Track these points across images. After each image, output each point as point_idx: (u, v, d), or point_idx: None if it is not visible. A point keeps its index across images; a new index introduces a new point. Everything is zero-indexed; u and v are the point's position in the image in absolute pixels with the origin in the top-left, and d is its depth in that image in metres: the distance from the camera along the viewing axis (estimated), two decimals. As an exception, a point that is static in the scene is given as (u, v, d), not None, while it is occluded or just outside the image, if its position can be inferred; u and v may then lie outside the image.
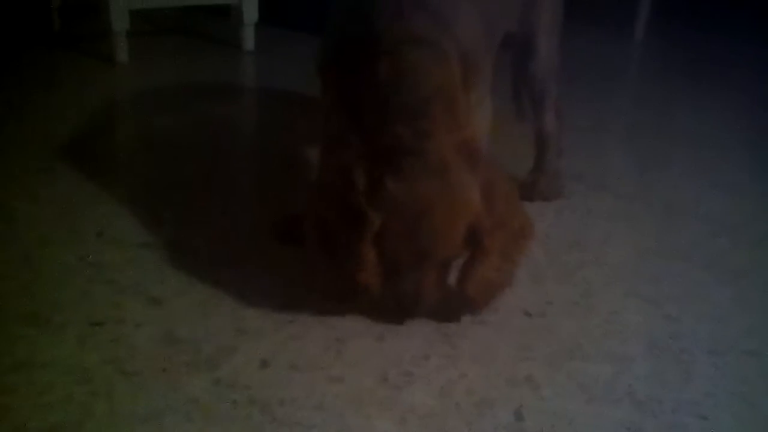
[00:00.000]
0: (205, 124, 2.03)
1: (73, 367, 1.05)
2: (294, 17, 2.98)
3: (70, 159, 1.72)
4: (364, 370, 1.09)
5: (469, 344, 1.16)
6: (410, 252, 1.11)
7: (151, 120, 2.07)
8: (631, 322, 1.25)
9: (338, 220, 1.12)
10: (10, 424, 0.95)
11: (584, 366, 1.13)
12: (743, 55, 3.22)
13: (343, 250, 1.12)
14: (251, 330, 1.15)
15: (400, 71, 1.12)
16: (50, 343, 1.10)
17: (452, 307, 1.19)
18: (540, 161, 1.69)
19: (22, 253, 1.33)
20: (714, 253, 1.49)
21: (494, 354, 1.14)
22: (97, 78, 2.39)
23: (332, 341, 1.14)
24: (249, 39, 2.79)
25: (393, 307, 1.16)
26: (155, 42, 2.84)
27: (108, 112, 2.11)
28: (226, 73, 2.58)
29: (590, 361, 1.14)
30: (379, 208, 1.08)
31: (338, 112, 1.23)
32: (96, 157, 1.78)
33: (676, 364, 1.14)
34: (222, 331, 1.15)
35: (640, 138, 2.15)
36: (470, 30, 1.21)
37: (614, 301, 1.31)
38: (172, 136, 1.92)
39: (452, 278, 1.18)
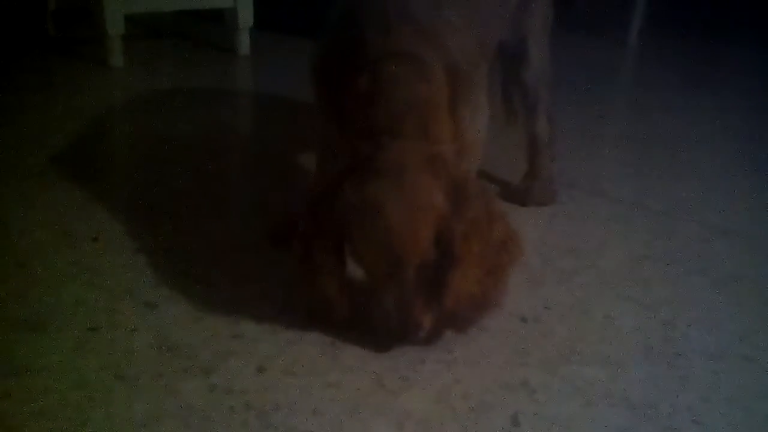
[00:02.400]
0: (200, 129, 2.03)
1: (69, 372, 1.05)
2: (289, 21, 2.99)
3: (65, 163, 1.72)
4: (360, 375, 1.09)
5: (464, 349, 1.16)
6: (378, 259, 1.08)
7: (146, 124, 2.07)
8: (627, 326, 1.25)
9: (307, 231, 1.13)
10: (5, 430, 0.94)
11: (580, 370, 1.13)
12: (736, 60, 3.24)
13: (309, 263, 1.13)
14: (247, 335, 1.15)
15: (376, 83, 1.12)
16: (46, 349, 1.10)
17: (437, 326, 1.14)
18: (533, 167, 1.69)
19: (16, 258, 1.33)
20: (709, 258, 1.50)
21: (490, 359, 1.15)
22: (92, 82, 2.39)
23: (328, 346, 1.14)
24: (244, 43, 2.80)
25: (382, 333, 1.12)
26: (150, 46, 2.85)
27: (103, 116, 2.11)
28: (221, 77, 2.58)
29: (586, 365, 1.14)
30: (338, 215, 1.09)
31: (327, 120, 1.24)
32: (91, 161, 1.78)
33: (672, 369, 1.15)
34: (218, 337, 1.15)
35: (634, 143, 2.16)
36: (460, 41, 1.21)
37: (609, 306, 1.31)
38: (167, 141, 1.92)
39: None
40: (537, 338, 1.20)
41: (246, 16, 2.75)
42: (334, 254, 1.12)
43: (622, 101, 2.73)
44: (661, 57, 3.23)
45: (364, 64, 1.14)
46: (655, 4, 3.38)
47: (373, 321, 1.12)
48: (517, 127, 1.72)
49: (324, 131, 1.34)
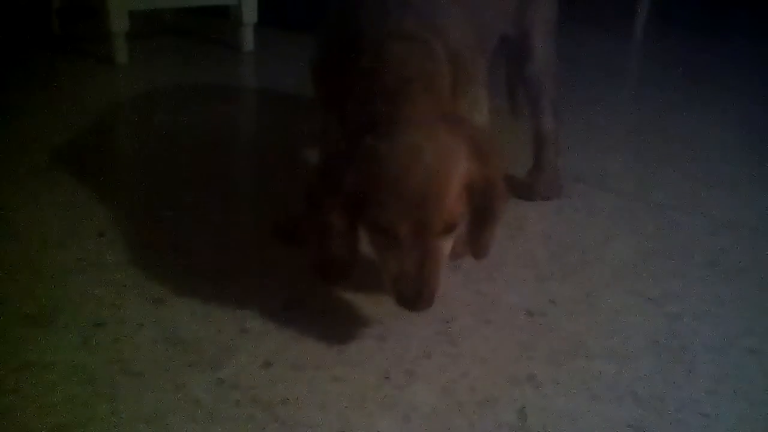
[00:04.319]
0: (205, 125, 2.03)
1: (76, 367, 1.05)
2: (293, 18, 2.98)
3: (71, 160, 1.72)
4: (367, 369, 1.09)
5: (471, 343, 1.16)
6: (406, 217, 1.01)
7: (150, 121, 2.07)
8: (633, 320, 1.25)
9: (317, 192, 1.07)
10: (13, 425, 0.95)
11: (586, 364, 1.13)
12: (742, 53, 3.23)
13: (318, 222, 1.06)
14: (253, 330, 1.16)
15: (382, 58, 1.11)
16: (53, 344, 1.10)
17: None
18: (539, 161, 1.69)
19: (23, 254, 1.33)
20: (714, 252, 1.49)
21: (496, 353, 1.15)
22: (96, 79, 2.39)
23: (334, 341, 1.14)
24: (248, 39, 2.79)
25: (407, 297, 1.04)
26: (154, 43, 2.85)
27: (108, 113, 2.11)
28: (226, 73, 2.58)
29: (592, 359, 1.14)
30: (357, 168, 1.02)
31: (328, 111, 1.23)
32: (96, 158, 1.78)
33: (678, 362, 1.15)
34: (224, 332, 1.15)
35: (639, 137, 2.16)
36: (459, 32, 1.21)
37: (615, 300, 1.31)
38: (172, 137, 1.92)
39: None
40: (543, 332, 1.20)
41: (250, 13, 2.75)
42: (345, 212, 1.05)
43: (627, 95, 2.72)
44: (667, 50, 3.22)
45: (367, 47, 1.13)
46: (660, -2, 3.38)
47: (390, 284, 1.05)
48: (522, 122, 1.72)
49: (325, 125, 1.34)
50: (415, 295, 1.02)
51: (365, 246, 1.10)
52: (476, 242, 1.12)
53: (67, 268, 1.30)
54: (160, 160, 1.78)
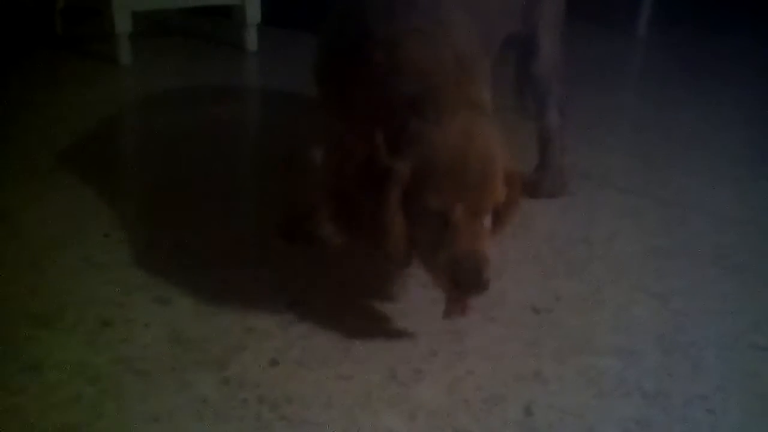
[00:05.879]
0: (209, 125, 2.03)
1: (82, 367, 1.05)
2: (297, 17, 2.98)
3: (75, 161, 1.72)
4: (373, 367, 1.09)
5: (476, 341, 1.16)
6: (462, 199, 1.01)
7: (154, 121, 2.07)
8: (639, 316, 1.25)
9: (359, 184, 1.05)
10: (20, 424, 0.95)
11: (593, 361, 1.13)
12: (746, 50, 3.22)
13: (367, 217, 1.04)
14: (259, 329, 1.16)
15: (398, 56, 1.10)
16: (59, 344, 1.10)
17: None
18: (544, 159, 1.69)
19: (29, 255, 1.33)
20: (720, 248, 1.49)
21: (502, 350, 1.14)
22: (100, 80, 2.39)
23: (340, 339, 1.14)
24: (252, 40, 2.79)
25: (469, 280, 1.02)
26: (158, 43, 2.85)
27: (112, 113, 2.12)
28: (229, 74, 2.58)
29: (598, 355, 1.14)
30: (406, 155, 1.02)
31: (335, 107, 1.23)
32: (101, 158, 1.79)
33: (684, 359, 1.14)
34: (230, 330, 1.15)
35: (644, 134, 2.15)
36: (465, 33, 1.21)
37: (621, 296, 1.31)
38: (176, 138, 1.92)
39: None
40: (549, 329, 1.20)
41: (254, 13, 2.75)
42: (396, 201, 1.03)
43: (632, 93, 2.72)
44: (671, 48, 3.21)
45: (378, 45, 1.12)
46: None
47: (442, 269, 1.04)
48: (528, 119, 1.72)
49: (330, 123, 1.33)
50: (476, 276, 1.02)
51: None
52: (501, 227, 1.13)
53: (73, 268, 1.30)
54: (163, 160, 1.79)
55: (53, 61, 2.56)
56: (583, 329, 1.20)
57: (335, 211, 1.13)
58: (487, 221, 1.06)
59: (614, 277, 1.37)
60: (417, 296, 1.23)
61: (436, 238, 1.03)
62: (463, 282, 1.02)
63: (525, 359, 1.12)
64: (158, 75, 2.46)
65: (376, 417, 0.99)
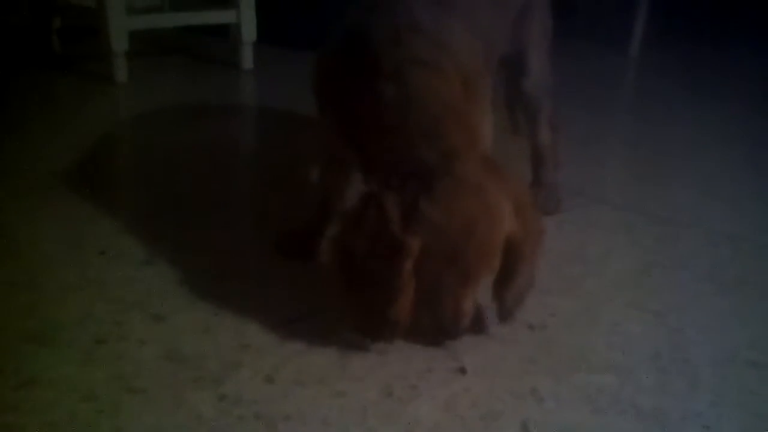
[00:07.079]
0: (205, 143, 2.04)
1: (78, 384, 1.05)
2: (292, 36, 3.00)
3: (71, 179, 1.73)
4: (369, 384, 1.09)
5: (472, 358, 1.16)
6: (453, 275, 1.09)
7: (150, 139, 2.07)
8: (634, 333, 1.25)
9: (370, 251, 1.08)
10: (15, 442, 0.95)
11: (588, 378, 1.13)
12: (739, 67, 3.24)
13: (377, 283, 1.09)
14: (255, 345, 1.16)
15: (406, 91, 1.12)
16: (55, 361, 1.10)
17: (480, 318, 1.19)
18: (537, 175, 1.70)
19: (25, 272, 1.33)
20: (715, 263, 1.50)
21: (498, 367, 1.14)
22: (96, 98, 2.41)
23: (336, 356, 1.14)
24: (247, 58, 2.81)
25: (433, 332, 1.15)
26: (154, 62, 2.86)
27: (108, 131, 2.12)
28: (225, 92, 2.60)
29: (594, 372, 1.14)
30: (415, 233, 1.06)
31: (338, 134, 1.23)
32: (96, 176, 1.79)
33: (680, 375, 1.15)
34: (226, 347, 1.15)
35: (638, 150, 2.17)
36: (469, 55, 1.22)
37: (617, 313, 1.31)
38: (172, 155, 1.93)
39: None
40: (545, 346, 1.20)
41: (249, 31, 2.76)
42: (388, 268, 1.07)
43: (625, 110, 2.74)
44: (664, 66, 3.23)
45: (381, 73, 1.13)
46: (657, 13, 3.39)
47: (426, 324, 1.14)
48: (521, 137, 1.73)
49: (327, 142, 1.34)
50: (449, 321, 1.13)
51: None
52: (502, 301, 1.17)
53: (69, 285, 1.30)
54: (159, 177, 1.79)
55: (50, 80, 2.57)
56: (579, 346, 1.21)
57: (340, 272, 1.14)
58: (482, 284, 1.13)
59: (609, 293, 1.37)
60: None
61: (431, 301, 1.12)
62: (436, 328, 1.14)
63: (521, 376, 1.12)
64: (154, 93, 2.47)
65: (372, 434, 0.99)
